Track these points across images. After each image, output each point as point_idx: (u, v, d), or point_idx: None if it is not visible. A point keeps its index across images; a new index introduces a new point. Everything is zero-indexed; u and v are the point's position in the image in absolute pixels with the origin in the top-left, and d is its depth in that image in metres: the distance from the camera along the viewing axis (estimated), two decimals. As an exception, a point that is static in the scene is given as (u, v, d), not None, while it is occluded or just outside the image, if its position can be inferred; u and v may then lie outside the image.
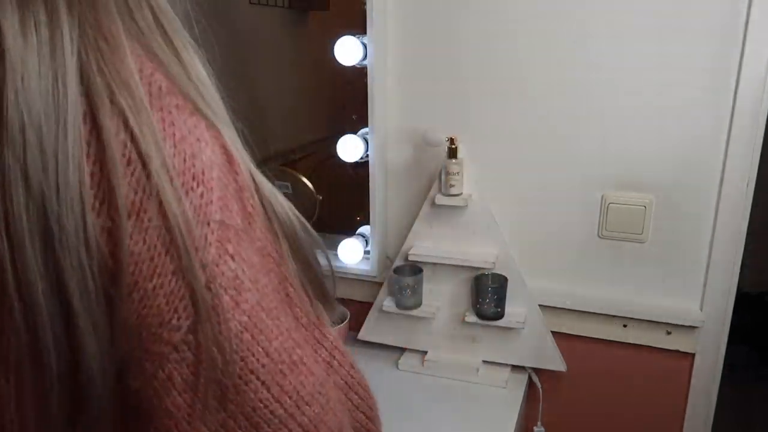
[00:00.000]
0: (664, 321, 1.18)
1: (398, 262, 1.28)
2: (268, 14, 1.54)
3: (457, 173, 1.18)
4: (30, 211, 0.28)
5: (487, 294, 1.20)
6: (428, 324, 1.28)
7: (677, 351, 1.20)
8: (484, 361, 1.26)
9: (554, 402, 1.31)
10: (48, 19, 0.30)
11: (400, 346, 1.33)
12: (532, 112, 1.18)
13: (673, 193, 1.14)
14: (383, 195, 1.31)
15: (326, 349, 0.39)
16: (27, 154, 0.28)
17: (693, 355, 1.19)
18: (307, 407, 0.35)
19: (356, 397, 0.42)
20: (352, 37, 1.20)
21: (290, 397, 0.34)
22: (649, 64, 1.09)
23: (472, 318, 1.22)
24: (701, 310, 1.17)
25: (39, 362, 0.30)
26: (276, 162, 1.54)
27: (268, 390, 0.33)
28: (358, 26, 1.20)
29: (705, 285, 1.15)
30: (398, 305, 1.26)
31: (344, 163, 1.29)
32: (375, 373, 1.27)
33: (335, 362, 0.40)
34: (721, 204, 1.10)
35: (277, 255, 0.37)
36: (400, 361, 1.29)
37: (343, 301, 1.41)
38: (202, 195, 0.32)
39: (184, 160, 0.32)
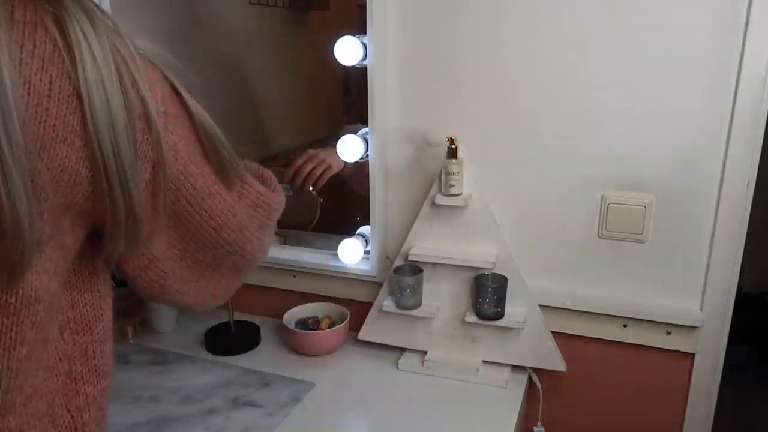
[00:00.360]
0: (664, 321, 1.18)
1: (398, 262, 1.28)
2: (268, 14, 1.54)
3: (457, 173, 1.18)
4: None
5: (487, 294, 1.20)
6: (428, 324, 1.28)
7: (677, 351, 1.20)
8: (484, 361, 1.26)
9: (554, 402, 1.31)
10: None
11: (400, 346, 1.33)
12: (533, 112, 1.18)
13: (673, 193, 1.14)
14: (383, 195, 1.31)
15: (238, 185, 0.62)
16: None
17: (693, 355, 1.19)
18: (218, 218, 0.59)
19: (261, 210, 0.65)
20: (352, 37, 1.20)
21: (206, 212, 0.58)
22: (649, 64, 1.09)
23: (472, 318, 1.22)
24: (701, 310, 1.17)
25: None
26: (276, 162, 1.54)
27: (192, 207, 0.56)
28: (358, 26, 1.20)
29: (705, 285, 1.15)
30: (398, 305, 1.26)
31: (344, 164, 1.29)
32: (375, 373, 1.28)
33: (244, 191, 0.63)
34: (721, 204, 1.10)
35: (198, 133, 0.57)
36: (400, 361, 1.29)
37: (343, 301, 1.41)
38: (156, 96, 0.51)
39: (149, 82, 0.51)
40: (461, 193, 1.20)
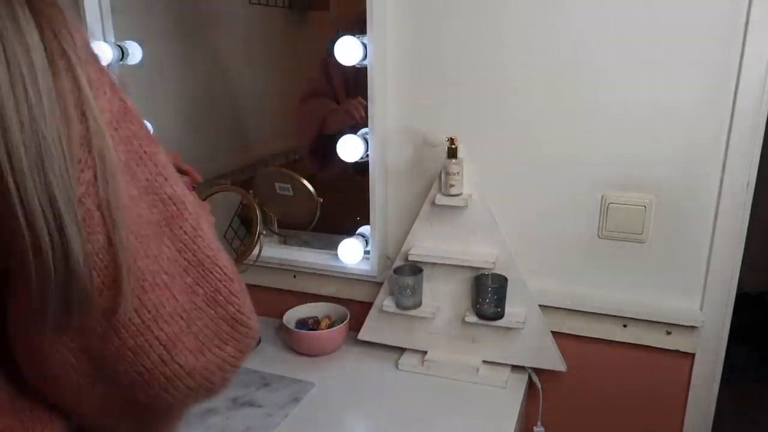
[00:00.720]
0: (664, 321, 1.18)
1: (398, 262, 1.28)
2: (268, 14, 1.54)
3: (457, 173, 1.18)
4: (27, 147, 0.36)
5: (487, 294, 1.20)
6: (428, 324, 1.28)
7: (677, 351, 1.20)
8: (484, 361, 1.26)
9: (554, 402, 1.31)
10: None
11: (400, 346, 1.33)
12: (533, 112, 1.18)
13: (673, 193, 1.14)
14: (383, 195, 1.31)
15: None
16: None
17: (693, 355, 1.19)
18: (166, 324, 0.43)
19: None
20: (352, 37, 1.20)
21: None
22: (649, 64, 1.09)
23: (472, 318, 1.22)
24: (701, 310, 1.17)
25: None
26: (276, 163, 1.54)
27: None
28: (358, 26, 1.20)
29: (705, 285, 1.15)
30: (398, 305, 1.26)
31: (344, 164, 1.29)
32: (375, 373, 1.28)
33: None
34: (721, 204, 1.10)
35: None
36: (400, 361, 1.29)
37: (343, 301, 1.41)
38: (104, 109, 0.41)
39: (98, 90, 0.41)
40: (461, 193, 1.20)
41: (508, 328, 1.22)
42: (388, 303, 1.28)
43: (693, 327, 1.17)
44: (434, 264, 1.24)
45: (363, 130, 1.28)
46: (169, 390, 0.44)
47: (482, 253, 1.22)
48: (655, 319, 1.18)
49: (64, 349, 0.42)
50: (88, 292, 0.39)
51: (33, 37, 0.37)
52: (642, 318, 1.19)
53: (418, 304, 1.26)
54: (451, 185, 1.19)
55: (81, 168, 0.39)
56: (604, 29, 1.10)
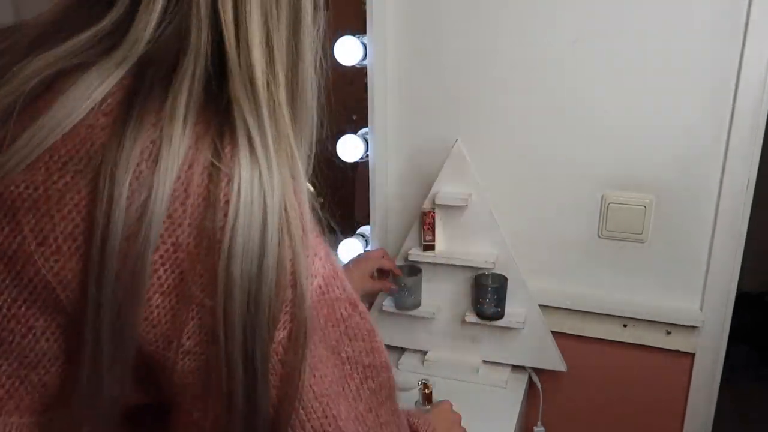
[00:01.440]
0: (664, 321, 1.18)
1: (398, 263, 1.28)
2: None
3: None
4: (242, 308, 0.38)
5: (487, 294, 1.19)
6: (428, 324, 1.28)
7: (677, 351, 1.20)
8: (484, 361, 1.26)
9: (554, 402, 1.31)
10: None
11: (400, 346, 1.32)
12: (533, 112, 1.18)
13: (673, 193, 1.14)
14: (383, 195, 1.31)
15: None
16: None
17: (693, 355, 1.19)
18: None
19: None
20: (352, 37, 1.20)
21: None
22: (649, 64, 1.09)
23: (472, 318, 1.22)
24: (701, 310, 1.17)
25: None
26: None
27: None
28: (358, 26, 1.20)
29: (705, 285, 1.15)
30: (398, 305, 1.26)
31: (344, 163, 1.29)
32: (375, 373, 1.27)
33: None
34: (721, 204, 1.10)
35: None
36: (400, 361, 1.29)
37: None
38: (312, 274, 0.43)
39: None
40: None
41: (508, 328, 1.22)
42: (387, 303, 1.27)
43: (693, 327, 1.17)
44: (434, 264, 1.24)
45: (363, 130, 1.28)
46: None
47: (482, 253, 1.21)
48: (655, 319, 1.18)
49: None
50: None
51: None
52: (642, 318, 1.19)
53: (417, 305, 1.26)
54: None
55: (278, 328, 0.40)
56: (604, 29, 1.10)
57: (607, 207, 1.17)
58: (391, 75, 1.25)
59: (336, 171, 1.39)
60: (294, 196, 0.40)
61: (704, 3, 1.04)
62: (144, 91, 0.38)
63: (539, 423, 1.30)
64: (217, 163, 0.37)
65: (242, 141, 0.38)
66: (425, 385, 1.11)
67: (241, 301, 0.37)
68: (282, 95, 0.42)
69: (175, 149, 0.36)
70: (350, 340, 0.45)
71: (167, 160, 0.36)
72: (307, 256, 0.41)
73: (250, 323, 0.38)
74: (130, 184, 0.35)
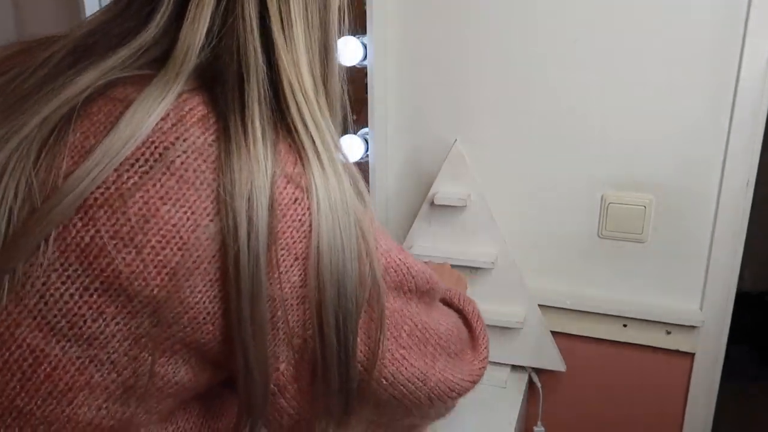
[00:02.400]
0: (664, 321, 1.18)
1: (398, 262, 1.28)
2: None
3: None
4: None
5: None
6: (428, 324, 1.28)
7: (677, 351, 1.20)
8: (484, 361, 1.26)
9: (554, 402, 1.31)
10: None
11: (400, 346, 1.32)
12: (533, 112, 1.18)
13: (673, 193, 1.14)
14: (383, 195, 1.31)
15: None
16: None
17: (693, 355, 1.19)
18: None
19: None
20: (352, 37, 1.20)
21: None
22: (648, 64, 1.09)
23: (472, 318, 1.21)
24: (701, 310, 1.17)
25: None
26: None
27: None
28: (358, 26, 1.20)
29: (705, 285, 1.15)
30: None
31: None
32: (375, 373, 1.27)
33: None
34: (721, 204, 1.10)
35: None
36: (400, 361, 1.29)
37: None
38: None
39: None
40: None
41: (508, 328, 1.22)
42: None
43: (693, 327, 1.17)
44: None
45: (363, 130, 1.28)
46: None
47: (482, 253, 1.21)
48: (655, 319, 1.18)
49: None
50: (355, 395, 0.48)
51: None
52: (642, 318, 1.19)
53: None
54: None
55: (361, 314, 0.47)
56: (604, 29, 1.10)
57: (607, 207, 1.17)
58: (391, 75, 1.25)
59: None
60: (356, 197, 0.46)
61: (704, 3, 1.04)
62: (224, 115, 0.42)
63: (539, 423, 1.30)
64: (297, 179, 0.43)
65: (311, 155, 0.43)
66: None
67: (332, 293, 0.43)
68: (323, 102, 0.47)
69: (263, 170, 0.41)
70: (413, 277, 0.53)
71: (258, 179, 0.41)
72: (377, 248, 0.48)
73: (342, 313, 0.44)
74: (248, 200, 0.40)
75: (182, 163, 0.39)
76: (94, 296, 0.38)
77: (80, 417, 0.40)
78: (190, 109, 0.41)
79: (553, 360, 1.23)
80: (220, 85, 0.42)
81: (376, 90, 1.21)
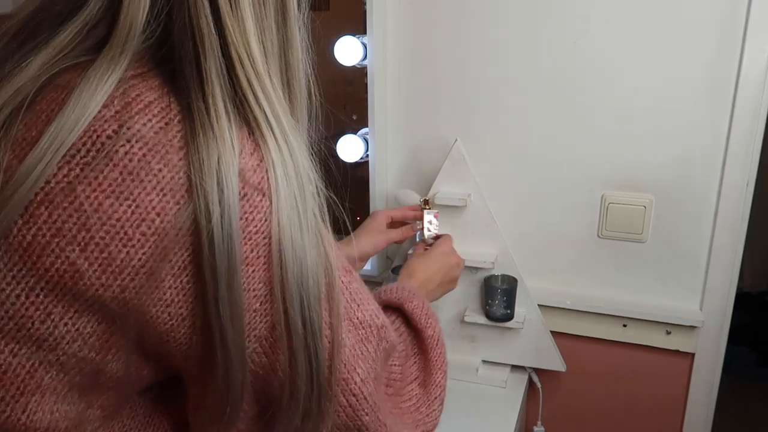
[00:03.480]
0: (663, 321, 1.18)
1: (398, 262, 1.28)
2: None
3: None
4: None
5: (497, 296, 1.19)
6: (428, 324, 1.28)
7: (677, 351, 1.20)
8: (484, 361, 1.26)
9: (554, 402, 1.31)
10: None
11: (400, 346, 1.32)
12: (532, 112, 1.18)
13: (673, 193, 1.14)
14: (383, 195, 1.31)
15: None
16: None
17: (693, 355, 1.19)
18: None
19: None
20: (352, 37, 1.20)
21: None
22: (649, 64, 1.09)
23: (471, 318, 1.22)
24: (701, 310, 1.17)
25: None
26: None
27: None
28: (358, 26, 1.20)
29: (705, 285, 1.15)
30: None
31: (344, 163, 1.29)
32: (375, 373, 1.27)
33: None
34: (721, 204, 1.10)
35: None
36: (400, 361, 1.29)
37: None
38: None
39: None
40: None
41: (508, 328, 1.22)
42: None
43: (693, 327, 1.17)
44: (434, 264, 1.24)
45: (363, 130, 1.28)
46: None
47: (482, 253, 1.21)
48: (655, 319, 1.18)
49: None
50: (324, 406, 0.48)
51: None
52: (642, 318, 1.19)
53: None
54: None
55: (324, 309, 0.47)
56: (603, 29, 1.10)
57: (607, 207, 1.17)
58: (391, 75, 1.25)
59: (336, 171, 1.39)
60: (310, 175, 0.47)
61: (704, 2, 1.04)
62: (185, 93, 0.40)
63: (539, 423, 1.30)
64: (259, 153, 0.42)
65: (266, 132, 0.42)
66: (425, 201, 1.11)
67: (295, 270, 0.43)
68: (275, 72, 0.45)
69: (229, 145, 0.40)
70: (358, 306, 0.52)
71: (225, 154, 0.40)
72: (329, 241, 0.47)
73: (306, 301, 0.44)
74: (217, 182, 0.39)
75: (126, 153, 0.37)
76: (41, 296, 0.37)
77: (37, 424, 0.39)
78: (137, 95, 0.39)
79: (553, 360, 1.23)
80: (177, 62, 0.41)
81: (376, 90, 1.21)
